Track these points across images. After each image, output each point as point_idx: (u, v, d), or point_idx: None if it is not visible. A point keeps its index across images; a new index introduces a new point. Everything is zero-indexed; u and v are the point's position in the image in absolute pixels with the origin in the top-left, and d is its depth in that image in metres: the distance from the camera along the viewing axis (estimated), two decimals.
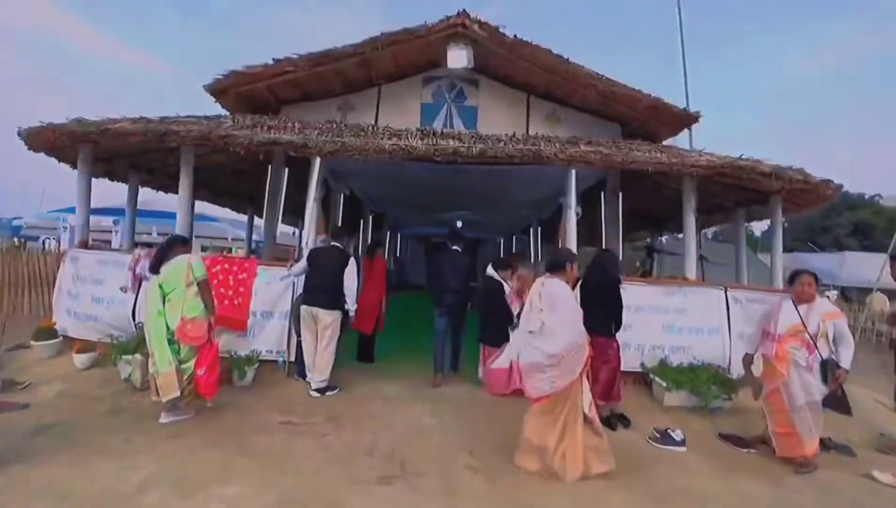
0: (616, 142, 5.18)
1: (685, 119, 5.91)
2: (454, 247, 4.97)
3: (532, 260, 14.05)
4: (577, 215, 4.72)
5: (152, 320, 3.34)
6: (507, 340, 4.16)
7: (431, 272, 4.95)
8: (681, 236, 12.06)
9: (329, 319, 3.86)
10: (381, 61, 6.33)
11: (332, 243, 4.22)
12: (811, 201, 5.28)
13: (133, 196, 6.92)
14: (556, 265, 3.21)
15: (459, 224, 14.84)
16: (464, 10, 5.86)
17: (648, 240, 10.13)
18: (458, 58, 6.16)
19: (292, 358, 4.43)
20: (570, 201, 4.59)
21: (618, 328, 3.90)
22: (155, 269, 3.51)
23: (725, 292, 4.64)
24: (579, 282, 4.07)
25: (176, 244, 3.55)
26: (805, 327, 3.09)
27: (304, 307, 3.92)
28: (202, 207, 10.27)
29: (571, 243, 4.69)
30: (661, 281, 4.63)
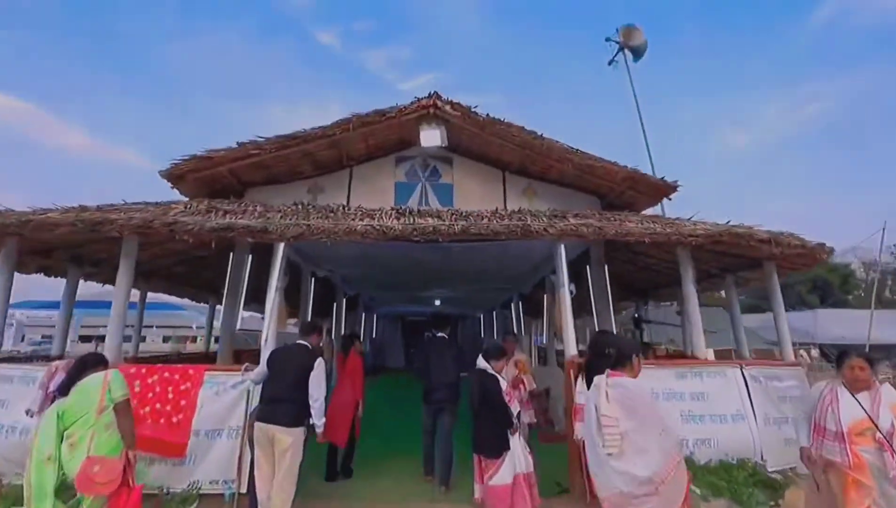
0: (602, 213, 4.97)
1: (663, 189, 5.86)
2: (440, 334, 4.54)
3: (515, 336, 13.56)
4: (571, 293, 4.31)
5: (36, 468, 2.48)
6: (507, 447, 3.49)
7: (418, 366, 4.45)
8: (666, 304, 11.90)
9: (288, 440, 3.07)
10: (352, 143, 6.18)
11: (299, 342, 3.55)
12: (804, 264, 5.11)
13: (71, 292, 6.13)
14: (620, 359, 2.48)
15: (438, 302, 14.32)
16: (435, 92, 5.88)
17: (635, 312, 9.81)
18: (431, 137, 6.09)
19: (243, 489, 3.54)
20: (562, 279, 4.19)
21: None
22: (65, 390, 2.76)
23: (742, 371, 4.18)
24: (581, 372, 3.53)
25: (89, 366, 2.81)
26: (874, 423, 2.56)
27: (258, 426, 3.13)
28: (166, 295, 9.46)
29: (568, 323, 4.22)
30: (669, 362, 4.16)
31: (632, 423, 2.18)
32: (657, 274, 8.34)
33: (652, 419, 2.23)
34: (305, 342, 3.52)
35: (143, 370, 3.76)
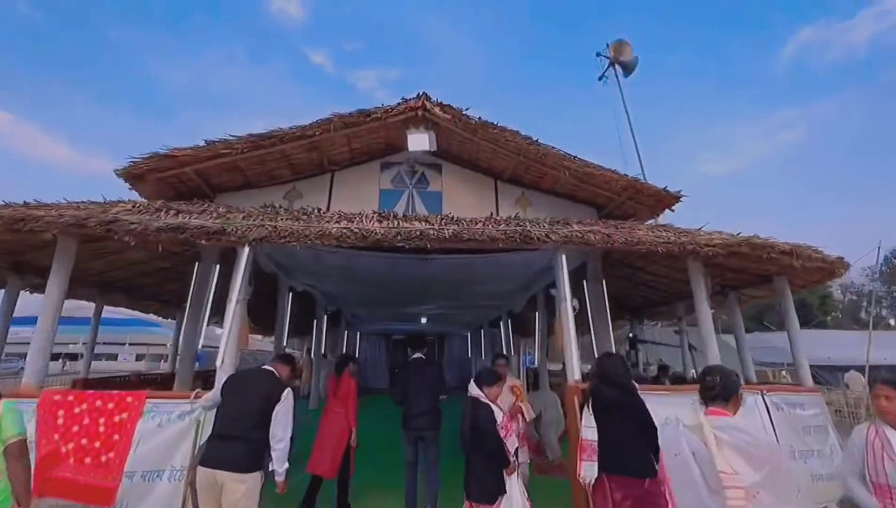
0: (605, 222, 4.57)
1: (665, 199, 5.52)
2: (416, 355, 4.23)
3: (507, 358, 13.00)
4: (574, 309, 3.86)
5: None
6: (503, 490, 2.95)
7: (396, 389, 4.12)
8: (652, 324, 11.53)
9: (241, 489, 2.46)
10: (333, 145, 5.73)
11: (265, 367, 2.98)
12: (818, 279, 4.77)
13: (9, 306, 5.43)
14: (725, 393, 2.00)
15: (424, 320, 13.73)
16: (424, 92, 5.50)
17: (629, 331, 9.41)
18: (419, 141, 5.68)
19: None
20: (563, 293, 3.74)
21: (657, 460, 2.83)
22: None
23: (763, 398, 3.74)
24: (587, 400, 3.05)
25: None
26: None
27: (201, 470, 2.53)
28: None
29: (571, 343, 3.75)
30: (682, 388, 3.70)
31: (758, 477, 1.69)
32: (654, 291, 7.98)
33: (784, 474, 1.76)
34: (272, 369, 2.94)
35: (70, 398, 3.14)
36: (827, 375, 14.48)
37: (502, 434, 2.92)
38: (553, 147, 5.48)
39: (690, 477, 1.78)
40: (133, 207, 3.36)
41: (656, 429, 2.84)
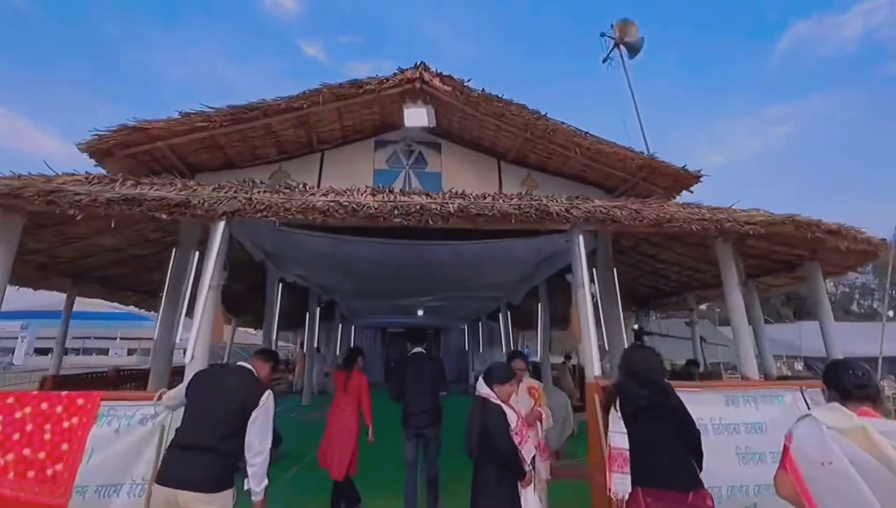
0: (627, 199, 4.12)
1: (684, 179, 5.09)
2: (416, 349, 4.05)
3: (505, 349, 12.64)
4: (594, 296, 3.45)
5: None
6: (517, 505, 2.54)
7: (395, 385, 3.92)
8: (666, 316, 11.19)
9: None
10: (323, 120, 5.25)
11: (241, 364, 2.49)
12: (853, 263, 4.38)
13: None
14: (876, 392, 1.62)
15: (421, 313, 13.31)
16: (422, 62, 5.02)
17: (635, 323, 9.04)
18: (416, 117, 5.21)
19: None
20: (581, 278, 3.31)
21: (700, 469, 2.42)
22: None
23: (803, 394, 3.35)
24: (613, 400, 2.63)
25: None
26: None
27: (157, 489, 2.08)
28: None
29: (589, 332, 3.34)
30: (715, 384, 3.30)
31: None
32: (664, 281, 7.60)
33: None
34: (250, 367, 2.47)
35: (11, 401, 2.67)
36: (823, 366, 14.29)
37: (517, 441, 2.50)
38: (563, 122, 5.03)
39: (855, 494, 1.34)
40: (86, 179, 2.88)
41: (699, 432, 2.43)
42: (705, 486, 2.36)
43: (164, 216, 2.67)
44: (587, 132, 5.01)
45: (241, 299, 9.87)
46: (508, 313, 12.01)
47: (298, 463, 5.26)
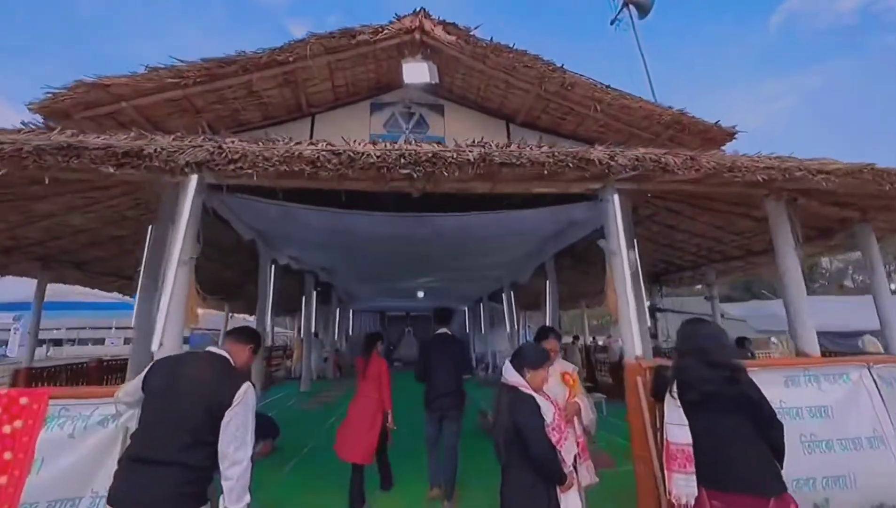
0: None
1: (718, 136, 4.57)
2: (441, 330, 3.94)
3: (510, 330, 12.28)
4: (633, 264, 2.99)
5: None
6: None
7: (418, 366, 3.92)
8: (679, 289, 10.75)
9: None
10: (312, 79, 4.68)
11: (211, 350, 1.97)
12: None
13: None
14: None
15: (421, 294, 12.87)
16: (422, 8, 4.43)
17: (647, 300, 8.61)
18: (416, 72, 4.66)
19: None
20: (618, 244, 2.84)
21: (782, 467, 2.00)
22: None
23: (870, 372, 2.93)
24: (670, 385, 2.19)
25: None
26: None
27: None
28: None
29: (629, 306, 2.89)
30: (772, 362, 2.86)
31: None
32: (681, 254, 7.16)
33: None
34: (225, 354, 1.96)
35: None
36: (840, 340, 14.06)
37: (554, 439, 2.05)
38: (582, 75, 4.49)
39: None
40: (20, 132, 2.35)
41: (781, 424, 2.00)
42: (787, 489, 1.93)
43: (112, 170, 2.14)
44: (608, 85, 4.47)
45: (233, 284, 9.40)
46: (512, 292, 11.63)
47: (299, 454, 4.90)
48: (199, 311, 2.78)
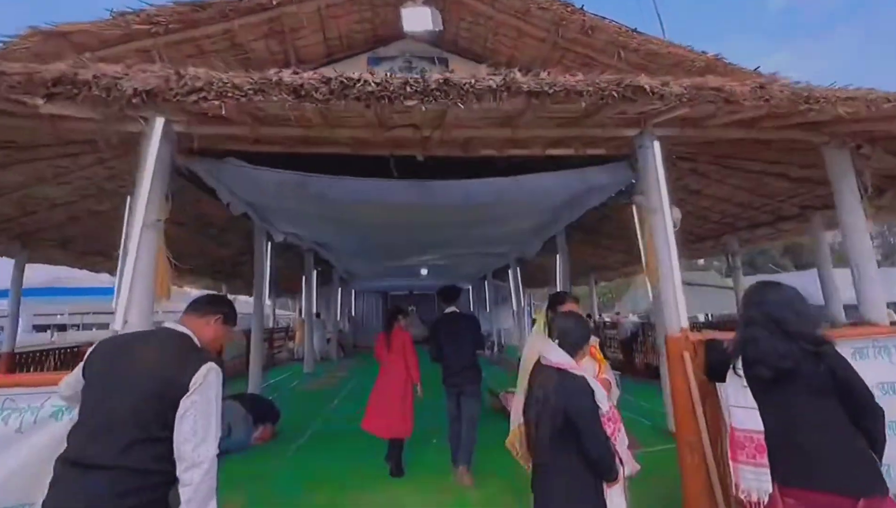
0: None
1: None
2: (449, 308, 3.96)
3: (516, 308, 11.96)
4: (676, 223, 2.60)
5: None
6: None
7: (432, 346, 3.88)
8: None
9: None
10: (301, 30, 4.21)
11: (168, 327, 1.56)
12: None
13: None
14: None
15: (424, 272, 12.51)
16: None
17: None
18: (417, 18, 4.16)
19: None
20: (659, 200, 2.44)
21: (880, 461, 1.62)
22: None
23: None
24: (734, 360, 1.81)
25: None
26: None
27: None
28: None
29: (672, 270, 2.52)
30: (840, 332, 2.47)
31: None
32: (703, 222, 6.72)
33: None
34: (186, 330, 1.53)
35: None
36: (853, 313, 13.75)
37: (609, 431, 1.68)
38: (604, 17, 3.98)
39: None
40: None
41: (880, 411, 1.61)
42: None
43: (41, 101, 1.73)
44: (635, 29, 3.97)
45: (230, 263, 9.06)
46: (518, 268, 11.26)
47: (303, 436, 4.65)
48: (173, 286, 2.39)
